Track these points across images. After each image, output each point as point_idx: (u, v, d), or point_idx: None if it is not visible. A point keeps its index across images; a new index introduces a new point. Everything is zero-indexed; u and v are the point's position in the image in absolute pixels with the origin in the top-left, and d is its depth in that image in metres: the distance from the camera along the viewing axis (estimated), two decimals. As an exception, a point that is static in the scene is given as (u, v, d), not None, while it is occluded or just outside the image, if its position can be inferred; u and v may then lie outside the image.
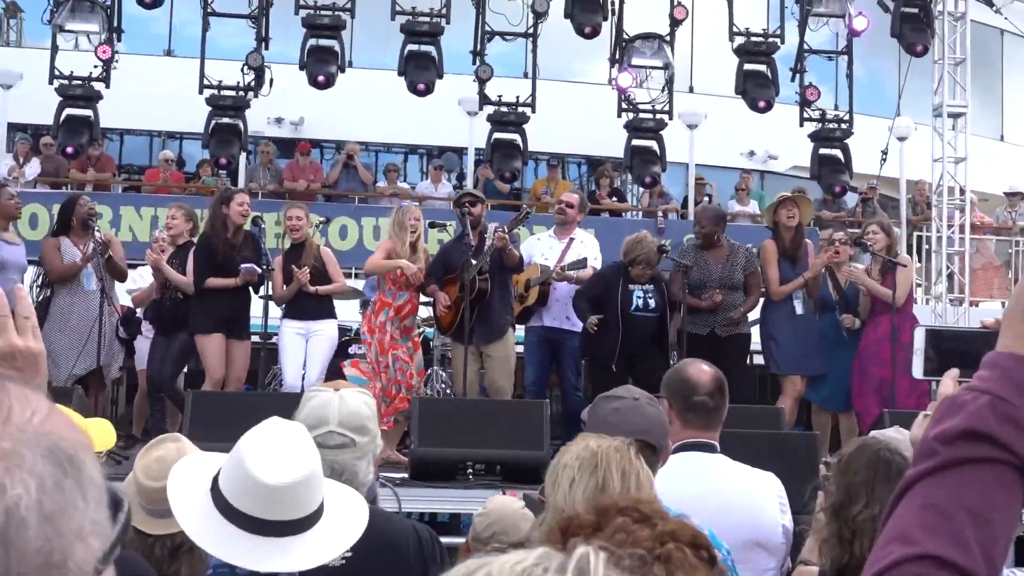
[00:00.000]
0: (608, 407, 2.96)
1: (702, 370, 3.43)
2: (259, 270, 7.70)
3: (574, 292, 7.95)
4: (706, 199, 14.64)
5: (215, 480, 2.25)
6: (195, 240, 8.08)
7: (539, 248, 8.24)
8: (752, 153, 18.36)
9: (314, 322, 7.88)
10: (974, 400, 1.15)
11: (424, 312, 8.84)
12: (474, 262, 7.51)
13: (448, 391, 9.62)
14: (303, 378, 7.79)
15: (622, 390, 3.03)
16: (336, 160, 15.48)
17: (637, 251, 7.74)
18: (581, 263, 7.78)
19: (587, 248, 8.13)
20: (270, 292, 7.78)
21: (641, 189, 14.99)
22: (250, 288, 7.89)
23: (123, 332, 8.27)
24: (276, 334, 8.00)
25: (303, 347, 7.83)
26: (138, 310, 8.54)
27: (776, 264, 8.04)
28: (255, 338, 8.14)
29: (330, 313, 8.05)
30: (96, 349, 7.79)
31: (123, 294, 8.64)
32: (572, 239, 8.14)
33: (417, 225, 7.74)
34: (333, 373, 8.22)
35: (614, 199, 14.73)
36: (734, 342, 7.87)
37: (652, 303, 7.79)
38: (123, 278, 8.34)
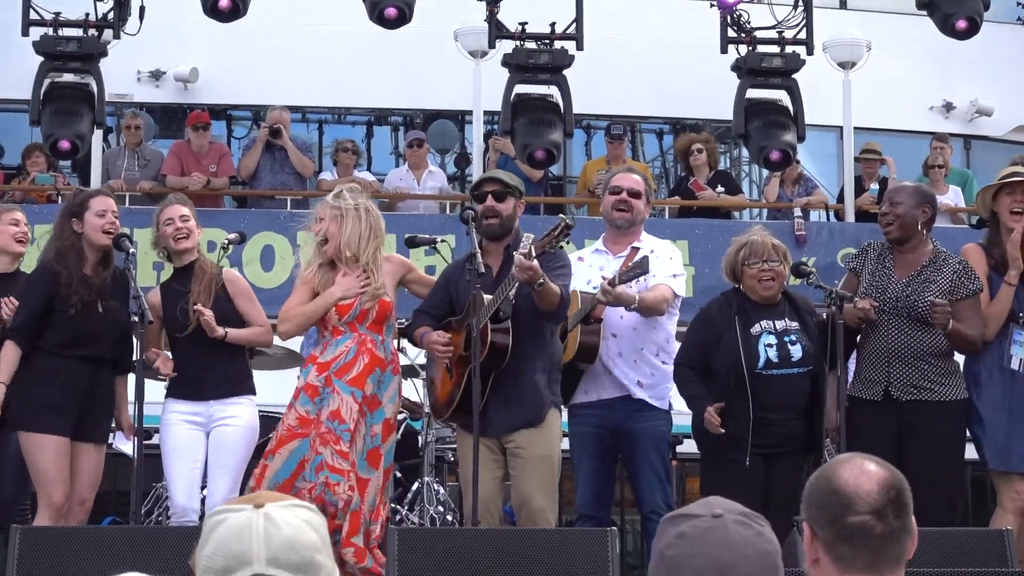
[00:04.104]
0: (671, 533, 2.96)
1: (863, 471, 3.37)
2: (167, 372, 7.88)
3: (675, 357, 7.99)
4: (874, 186, 14.63)
5: None
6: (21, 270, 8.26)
7: (582, 274, 8.16)
8: (949, 106, 18.39)
9: (218, 403, 7.92)
10: None
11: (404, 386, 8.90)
12: (488, 299, 7.54)
13: (450, 517, 9.61)
14: (202, 500, 7.79)
15: (699, 505, 3.02)
16: (253, 138, 15.60)
17: (735, 259, 7.88)
18: (641, 266, 7.77)
19: (661, 262, 8.09)
20: (143, 356, 7.84)
21: (765, 171, 14.99)
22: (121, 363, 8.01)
23: None
24: (156, 428, 8.05)
25: (201, 447, 7.88)
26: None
27: (986, 281, 8.06)
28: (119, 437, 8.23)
29: (244, 387, 8.10)
30: None
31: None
32: (636, 249, 8.12)
33: (339, 213, 7.73)
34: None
35: (720, 189, 14.74)
36: (928, 413, 7.85)
37: (797, 351, 7.83)
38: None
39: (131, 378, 7.89)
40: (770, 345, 7.78)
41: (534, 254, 7.23)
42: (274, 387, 10.01)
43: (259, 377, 8.44)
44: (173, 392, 8.02)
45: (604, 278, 7.77)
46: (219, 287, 7.99)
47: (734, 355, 7.72)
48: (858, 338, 8.07)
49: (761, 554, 2.96)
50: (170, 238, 8.01)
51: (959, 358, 8.10)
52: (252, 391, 8.17)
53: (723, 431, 7.57)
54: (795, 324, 7.87)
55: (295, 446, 7.54)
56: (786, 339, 7.82)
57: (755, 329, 7.81)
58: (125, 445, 8.35)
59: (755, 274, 7.84)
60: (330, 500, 7.38)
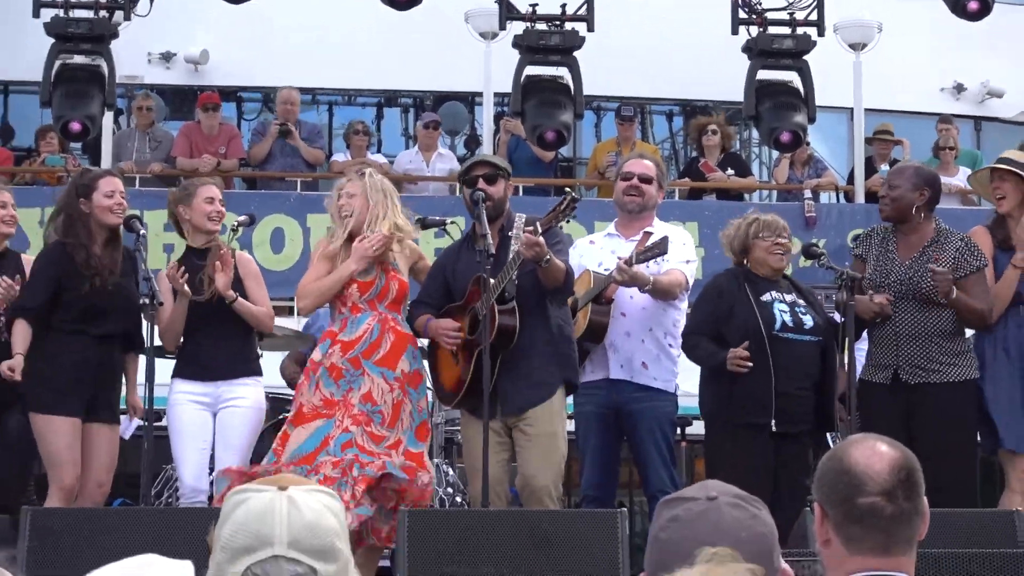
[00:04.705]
0: (665, 516, 2.95)
1: (874, 452, 3.36)
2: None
3: (683, 329, 8.00)
4: (885, 168, 14.59)
5: None
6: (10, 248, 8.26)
7: (593, 256, 8.27)
8: (960, 88, 18.34)
9: (226, 384, 7.92)
10: None
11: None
12: (492, 281, 7.53)
13: (459, 499, 9.60)
14: (211, 482, 7.79)
15: (696, 488, 3.01)
16: (263, 120, 15.58)
17: (745, 234, 7.89)
18: (660, 247, 7.78)
19: (674, 247, 8.05)
20: (155, 339, 7.83)
21: (775, 153, 14.95)
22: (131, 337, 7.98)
23: None
24: (164, 410, 8.03)
25: (209, 427, 7.88)
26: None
27: (992, 261, 8.06)
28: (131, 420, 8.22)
29: (251, 369, 8.09)
30: None
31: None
32: (648, 234, 8.11)
33: (366, 190, 7.76)
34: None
35: (729, 171, 14.73)
36: (934, 395, 7.85)
37: (808, 320, 7.86)
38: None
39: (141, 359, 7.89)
40: (783, 311, 7.82)
41: (540, 230, 7.23)
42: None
43: (267, 358, 8.42)
44: (180, 372, 8.01)
45: (620, 257, 7.77)
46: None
47: (751, 318, 7.74)
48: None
49: (756, 537, 2.93)
50: (206, 216, 7.98)
51: (969, 335, 8.11)
52: (259, 372, 8.16)
53: (751, 364, 7.56)
54: (802, 301, 7.90)
55: (320, 424, 7.53)
56: (796, 309, 7.86)
57: (765, 297, 7.86)
58: (125, 430, 8.31)
59: (768, 247, 7.88)
60: (369, 474, 7.34)
